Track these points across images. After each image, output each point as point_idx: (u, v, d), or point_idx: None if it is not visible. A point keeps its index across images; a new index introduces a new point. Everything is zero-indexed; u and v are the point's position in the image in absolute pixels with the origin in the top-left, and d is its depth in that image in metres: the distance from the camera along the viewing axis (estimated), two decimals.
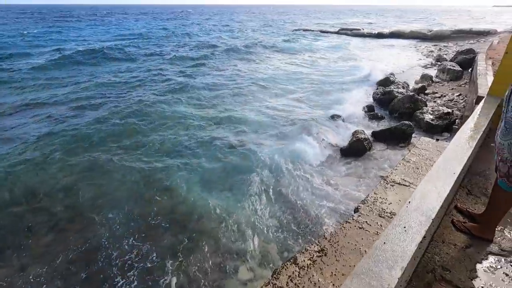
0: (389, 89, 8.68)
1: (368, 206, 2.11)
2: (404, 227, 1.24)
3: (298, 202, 4.35)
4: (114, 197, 4.36)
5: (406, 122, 6.61)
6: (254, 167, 5.15)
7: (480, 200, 2.14)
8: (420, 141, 3.46)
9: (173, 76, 11.49)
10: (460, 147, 1.96)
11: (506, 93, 1.61)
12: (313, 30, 32.02)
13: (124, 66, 13.06)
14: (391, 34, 25.05)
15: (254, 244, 3.61)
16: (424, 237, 1.22)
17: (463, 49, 13.41)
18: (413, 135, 6.44)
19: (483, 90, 4.51)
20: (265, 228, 3.89)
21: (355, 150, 6.01)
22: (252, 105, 8.56)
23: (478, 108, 2.76)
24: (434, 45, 19.13)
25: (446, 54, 14.79)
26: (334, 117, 7.61)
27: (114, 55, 14.92)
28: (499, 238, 1.77)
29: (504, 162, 1.59)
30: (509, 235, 1.81)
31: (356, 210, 2.24)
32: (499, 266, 1.57)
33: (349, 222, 2.02)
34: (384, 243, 1.15)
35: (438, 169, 1.69)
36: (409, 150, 3.80)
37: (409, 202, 1.39)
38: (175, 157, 5.58)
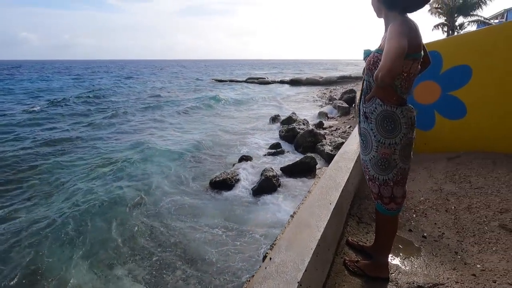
0: (292, 127, 9.17)
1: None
2: None
3: (201, 259, 3.61)
4: None
5: (309, 154, 6.88)
6: (153, 228, 4.24)
7: (371, 227, 1.92)
8: (323, 171, 3.43)
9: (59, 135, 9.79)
10: (337, 171, 1.73)
11: (356, 102, 1.46)
12: (224, 80, 33.79)
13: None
14: (291, 81, 28.35)
15: None
16: None
17: (347, 90, 15.85)
18: (317, 166, 6.67)
19: None
20: None
21: (265, 188, 5.80)
22: (156, 157, 7.72)
23: (354, 131, 2.77)
24: (326, 88, 22.27)
25: (335, 95, 17.16)
26: (243, 159, 7.40)
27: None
28: (394, 274, 1.48)
29: (373, 181, 1.36)
30: (403, 266, 1.55)
31: (264, 258, 1.73)
32: None
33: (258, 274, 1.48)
34: None
35: (313, 201, 1.35)
36: (314, 183, 3.71)
37: (270, 259, 0.94)
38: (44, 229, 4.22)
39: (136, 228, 4.20)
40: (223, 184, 6.02)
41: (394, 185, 1.32)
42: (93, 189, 5.51)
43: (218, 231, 4.08)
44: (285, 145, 8.45)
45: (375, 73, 1.12)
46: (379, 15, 1.34)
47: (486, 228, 1.80)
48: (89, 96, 18.88)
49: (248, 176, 6.61)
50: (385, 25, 1.29)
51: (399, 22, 1.17)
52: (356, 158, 2.01)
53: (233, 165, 7.14)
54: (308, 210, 1.27)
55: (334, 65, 78.93)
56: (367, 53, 1.35)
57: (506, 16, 22.27)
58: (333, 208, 1.33)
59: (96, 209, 4.74)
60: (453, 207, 2.06)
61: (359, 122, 1.41)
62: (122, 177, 6.25)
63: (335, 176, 1.67)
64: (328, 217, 1.23)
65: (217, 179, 6.24)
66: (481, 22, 21.23)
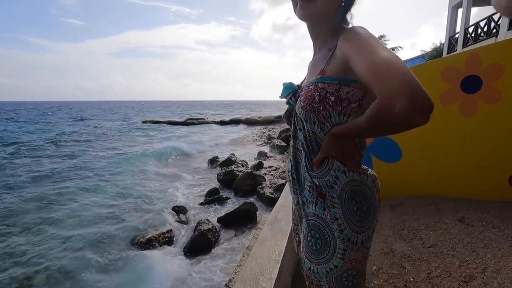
0: (230, 169, 8.61)
1: None
2: None
3: None
4: None
5: (248, 200, 6.31)
6: None
7: None
8: (263, 219, 2.98)
9: None
10: (263, 263, 1.16)
11: (288, 174, 0.93)
12: (161, 122, 32.22)
13: None
14: (231, 121, 28.52)
15: None
16: None
17: (284, 128, 16.34)
18: (258, 212, 6.12)
19: None
20: None
21: (199, 246, 4.98)
22: (79, 213, 6.26)
23: (286, 187, 2.32)
24: (265, 128, 22.79)
25: (274, 134, 17.51)
26: (175, 210, 6.44)
27: None
28: None
29: None
30: None
31: None
32: None
33: None
34: None
35: None
36: (253, 236, 3.17)
37: None
38: None
39: None
40: (149, 245, 5.04)
41: None
42: None
43: None
44: (224, 191, 7.77)
45: (370, 107, 0.61)
46: (321, 19, 0.78)
47: None
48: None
49: (181, 232, 5.69)
50: (321, 39, 0.81)
51: (363, 29, 0.70)
52: (290, 229, 1.49)
53: (164, 218, 6.13)
54: None
55: (277, 105, 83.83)
56: (289, 89, 0.86)
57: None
58: None
59: None
60: (411, 279, 1.65)
61: (302, 203, 0.82)
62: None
63: (259, 274, 1.09)
64: None
65: (141, 239, 5.23)
66: None
